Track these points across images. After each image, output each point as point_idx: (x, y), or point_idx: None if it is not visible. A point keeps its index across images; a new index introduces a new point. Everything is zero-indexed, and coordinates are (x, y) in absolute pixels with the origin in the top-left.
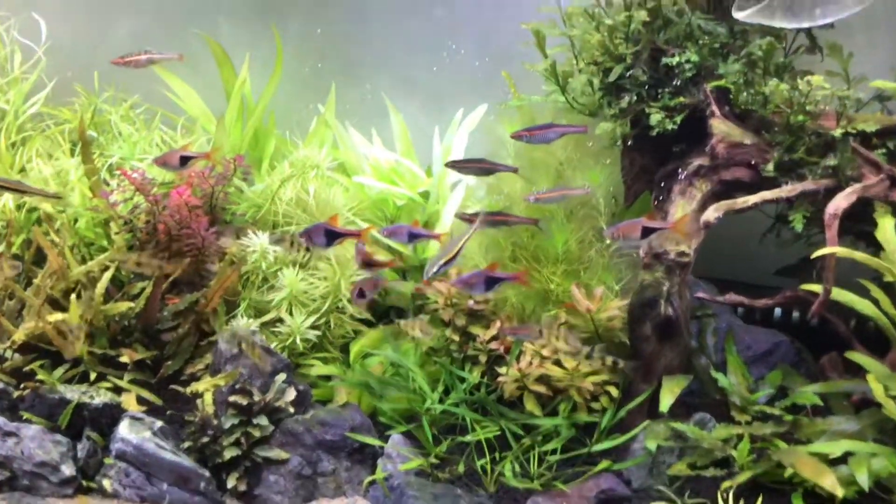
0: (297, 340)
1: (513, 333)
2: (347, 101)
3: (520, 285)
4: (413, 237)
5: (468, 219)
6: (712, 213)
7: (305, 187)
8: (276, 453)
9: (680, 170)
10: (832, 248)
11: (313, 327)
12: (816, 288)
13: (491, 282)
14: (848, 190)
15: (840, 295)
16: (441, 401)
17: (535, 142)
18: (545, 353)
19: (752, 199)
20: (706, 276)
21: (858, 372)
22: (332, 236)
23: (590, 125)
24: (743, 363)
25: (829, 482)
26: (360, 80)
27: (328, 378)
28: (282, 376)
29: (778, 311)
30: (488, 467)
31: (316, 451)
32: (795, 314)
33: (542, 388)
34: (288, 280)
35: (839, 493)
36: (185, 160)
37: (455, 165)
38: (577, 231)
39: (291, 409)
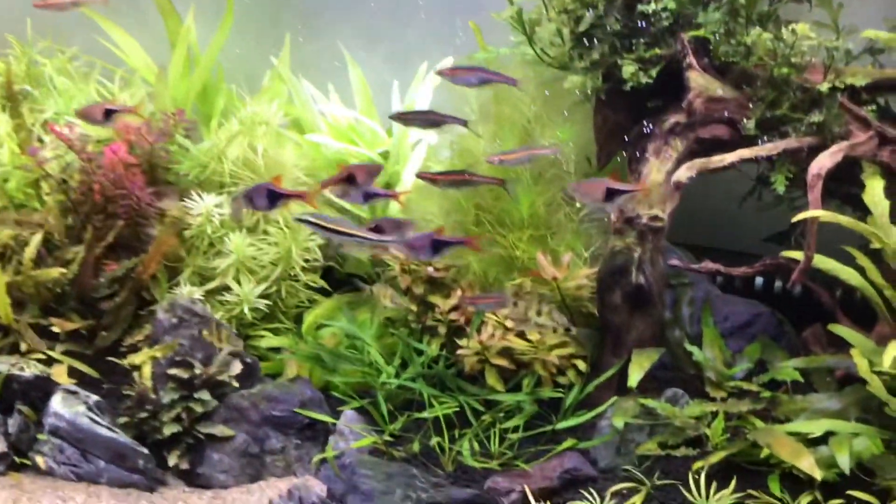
0: (246, 310)
1: (473, 303)
2: (304, 54)
3: (477, 251)
4: (368, 197)
5: (430, 178)
6: (684, 173)
7: (254, 146)
8: (220, 430)
9: (655, 127)
10: (814, 212)
11: (263, 296)
12: (797, 255)
13: (438, 245)
14: (833, 148)
15: (823, 263)
16: (397, 375)
17: (457, 82)
18: (509, 324)
19: (728, 158)
20: (684, 243)
21: (843, 345)
22: (276, 197)
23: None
24: (720, 335)
25: (807, 464)
26: (318, 32)
27: (279, 350)
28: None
29: (759, 280)
30: (446, 445)
31: (263, 428)
32: (778, 284)
33: (504, 362)
34: (234, 245)
35: (817, 475)
36: (109, 114)
37: (400, 118)
38: (544, 193)
39: (236, 384)
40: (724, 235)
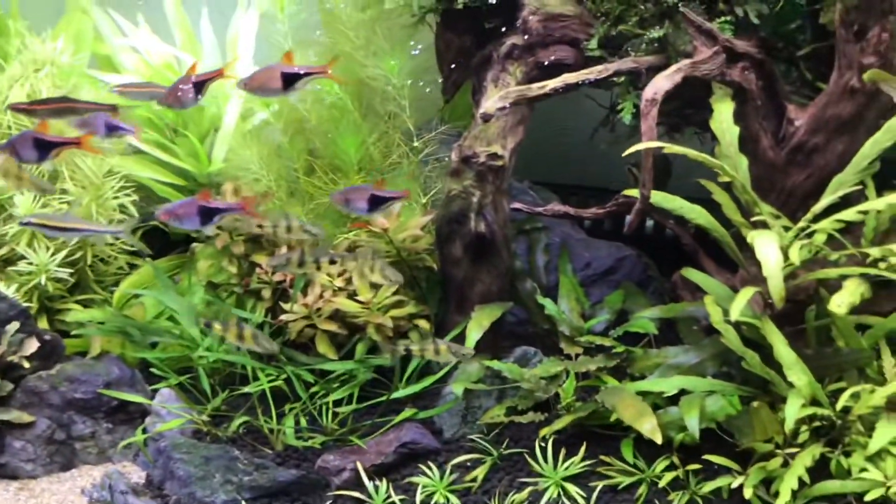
0: (44, 280)
1: (280, 263)
2: None
3: (254, 217)
4: (111, 130)
5: (25, 109)
6: (495, 103)
7: (38, 90)
8: (17, 416)
9: (493, 52)
10: (646, 143)
11: (70, 264)
12: (633, 192)
13: (206, 213)
14: (672, 68)
15: (667, 201)
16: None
17: None
18: (339, 283)
19: (550, 84)
20: (548, 183)
21: None
22: (46, 147)
23: None
24: (579, 284)
25: (649, 427)
26: None
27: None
28: (14, 325)
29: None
30: (273, 423)
31: (67, 413)
32: (649, 224)
33: (334, 327)
34: (24, 206)
35: (658, 439)
36: None
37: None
38: (375, 131)
39: (26, 364)
40: (594, 172)
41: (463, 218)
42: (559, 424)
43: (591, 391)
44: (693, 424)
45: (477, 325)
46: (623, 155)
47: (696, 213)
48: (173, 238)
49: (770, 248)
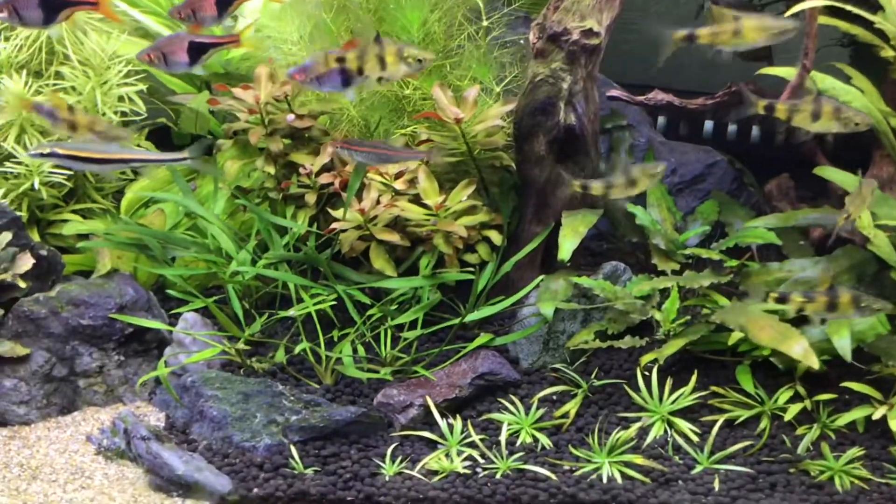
0: (37, 184)
1: (348, 148)
2: None
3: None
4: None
5: None
6: None
7: None
8: (9, 348)
9: None
10: (810, 2)
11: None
12: (783, 71)
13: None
14: None
15: (819, 80)
16: (253, 262)
17: None
18: (399, 186)
19: None
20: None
21: (814, 200)
22: (55, 7)
23: None
24: (668, 193)
25: (799, 349)
26: None
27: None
28: (5, 236)
29: (709, 125)
30: (322, 352)
31: (70, 343)
32: (732, 128)
33: (394, 237)
34: (12, 93)
35: (814, 363)
36: None
37: None
38: (439, 7)
39: (22, 284)
40: (658, 73)
41: (550, 108)
42: (668, 350)
43: (693, 312)
44: (844, 346)
45: (572, 233)
46: (786, 14)
47: (852, 95)
48: (177, 140)
49: None
